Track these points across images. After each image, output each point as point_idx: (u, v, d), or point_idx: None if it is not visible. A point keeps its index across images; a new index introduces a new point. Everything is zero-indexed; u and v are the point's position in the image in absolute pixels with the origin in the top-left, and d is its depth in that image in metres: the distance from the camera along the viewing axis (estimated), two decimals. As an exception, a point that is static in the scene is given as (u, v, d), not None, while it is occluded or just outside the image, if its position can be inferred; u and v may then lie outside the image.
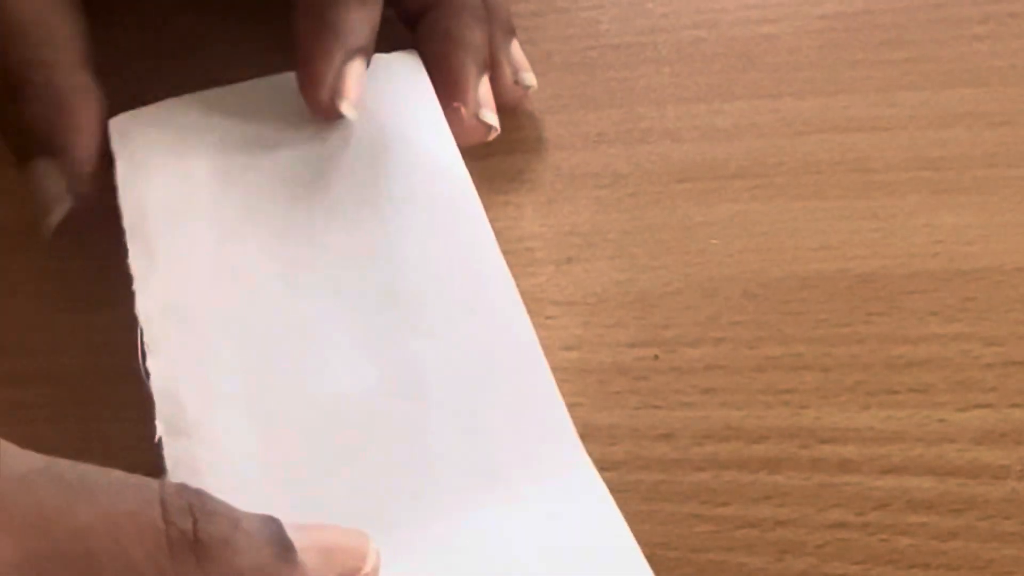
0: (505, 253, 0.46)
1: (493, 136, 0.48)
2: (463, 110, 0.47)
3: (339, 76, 0.45)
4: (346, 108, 0.45)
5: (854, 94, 0.50)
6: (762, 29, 0.52)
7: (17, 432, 0.34)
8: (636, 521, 0.41)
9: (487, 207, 0.47)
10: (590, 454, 0.42)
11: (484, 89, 0.48)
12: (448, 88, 0.48)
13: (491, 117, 0.48)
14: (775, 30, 0.52)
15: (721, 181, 0.48)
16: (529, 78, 0.50)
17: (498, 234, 0.47)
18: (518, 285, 0.46)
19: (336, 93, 0.45)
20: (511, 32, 0.50)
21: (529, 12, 0.54)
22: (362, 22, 0.45)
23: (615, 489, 0.41)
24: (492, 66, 0.49)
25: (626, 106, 0.50)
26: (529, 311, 0.45)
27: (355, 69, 0.45)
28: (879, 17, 0.52)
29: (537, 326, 0.45)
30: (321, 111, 0.45)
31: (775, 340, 0.44)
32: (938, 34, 0.52)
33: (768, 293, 0.45)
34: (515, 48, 0.50)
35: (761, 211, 0.47)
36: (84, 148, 0.45)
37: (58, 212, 0.44)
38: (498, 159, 0.49)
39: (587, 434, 0.42)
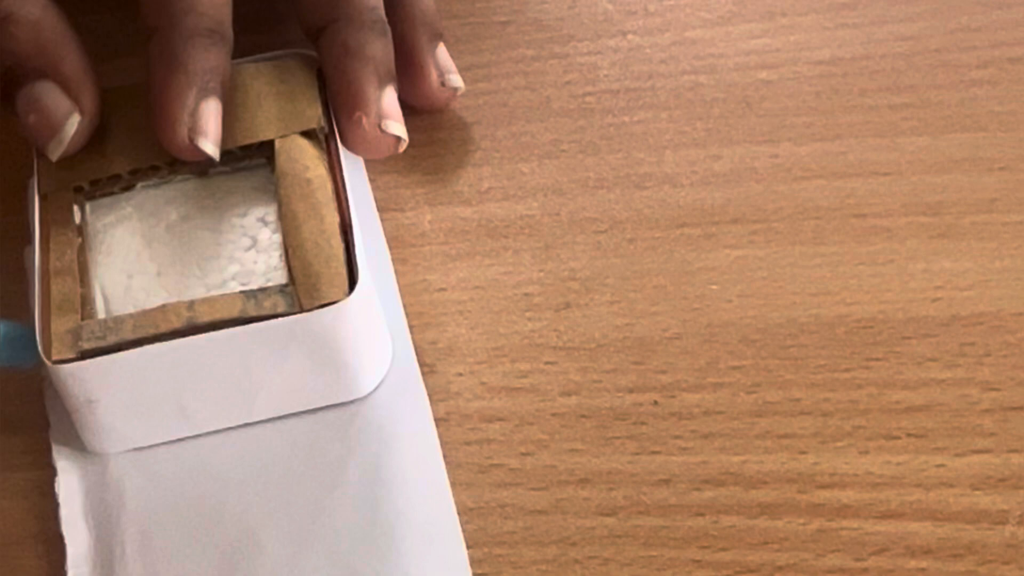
0: (503, 299, 0.47)
1: (402, 148, 0.47)
2: (364, 120, 0.46)
3: (194, 114, 0.44)
4: (206, 145, 0.44)
5: (852, 139, 0.50)
6: (760, 75, 0.52)
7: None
8: (635, 567, 0.41)
9: (486, 253, 0.48)
10: (588, 500, 0.42)
11: (388, 100, 0.47)
12: (349, 100, 0.47)
13: (396, 128, 0.47)
14: (773, 76, 0.52)
15: (719, 226, 0.48)
16: (456, 80, 0.51)
17: (496, 280, 0.47)
18: (517, 331, 0.46)
19: (193, 131, 0.44)
20: (438, 35, 0.51)
21: (528, 57, 0.54)
22: (212, 62, 0.45)
23: (614, 535, 0.41)
24: (417, 69, 0.50)
25: (624, 151, 0.50)
26: (527, 357, 0.45)
27: (210, 107, 0.45)
28: (878, 62, 0.52)
29: (535, 371, 0.45)
30: (181, 151, 0.45)
31: (774, 385, 0.44)
32: (937, 79, 0.52)
33: (767, 339, 0.45)
34: (441, 51, 0.51)
35: (760, 256, 0.47)
36: (80, 61, 0.46)
37: (69, 127, 0.44)
38: (495, 204, 0.49)
39: (586, 479, 0.42)
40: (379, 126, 0.47)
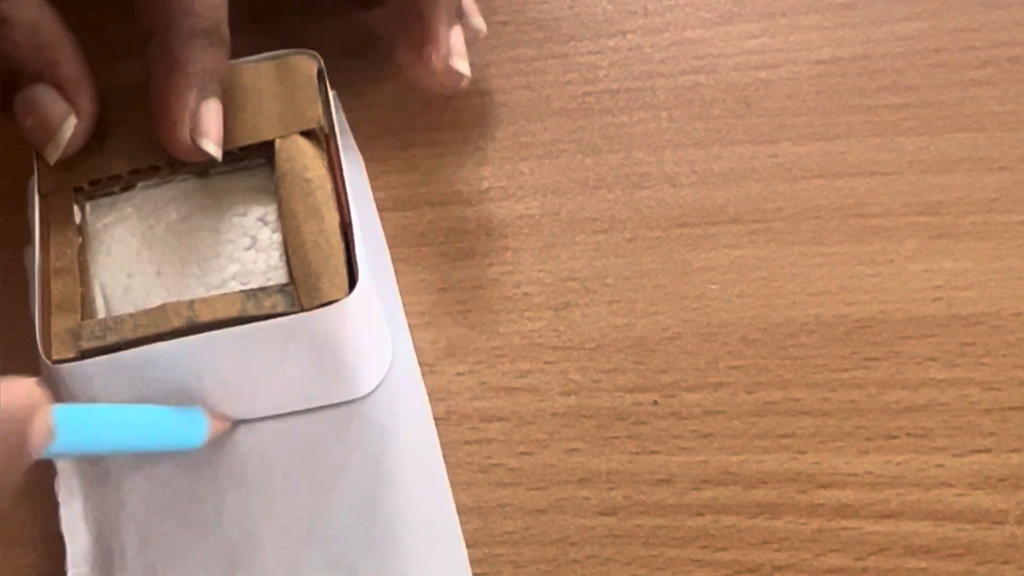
0: (503, 299, 0.46)
1: (464, 84, 0.49)
2: (434, 56, 0.48)
3: (196, 115, 0.44)
4: (208, 145, 0.44)
5: (852, 139, 0.50)
6: (760, 74, 0.52)
7: None
8: (635, 567, 0.41)
9: (486, 253, 0.48)
10: (588, 499, 0.42)
11: (456, 38, 0.49)
12: (420, 36, 0.48)
13: (461, 64, 0.48)
14: (773, 75, 0.52)
15: (719, 226, 0.48)
16: (462, 64, 0.50)
17: (496, 279, 0.47)
18: (517, 331, 0.46)
19: (195, 132, 0.44)
20: (456, 17, 0.51)
21: (528, 57, 0.54)
22: (211, 63, 0.45)
23: (614, 534, 0.41)
24: (430, 39, 0.49)
25: (624, 151, 0.50)
26: (527, 356, 0.45)
27: (211, 107, 0.45)
28: (877, 62, 0.52)
29: (535, 371, 0.45)
30: (183, 152, 0.45)
31: (773, 385, 0.44)
32: (937, 79, 0.52)
33: (766, 338, 0.45)
34: (456, 33, 0.50)
35: (759, 256, 0.47)
36: (77, 63, 0.46)
37: (66, 130, 0.45)
38: (496, 204, 0.49)
39: (585, 479, 0.42)
40: (446, 60, 0.48)
